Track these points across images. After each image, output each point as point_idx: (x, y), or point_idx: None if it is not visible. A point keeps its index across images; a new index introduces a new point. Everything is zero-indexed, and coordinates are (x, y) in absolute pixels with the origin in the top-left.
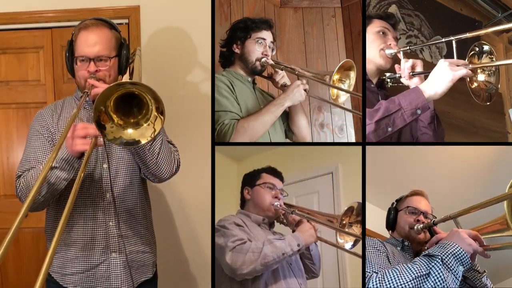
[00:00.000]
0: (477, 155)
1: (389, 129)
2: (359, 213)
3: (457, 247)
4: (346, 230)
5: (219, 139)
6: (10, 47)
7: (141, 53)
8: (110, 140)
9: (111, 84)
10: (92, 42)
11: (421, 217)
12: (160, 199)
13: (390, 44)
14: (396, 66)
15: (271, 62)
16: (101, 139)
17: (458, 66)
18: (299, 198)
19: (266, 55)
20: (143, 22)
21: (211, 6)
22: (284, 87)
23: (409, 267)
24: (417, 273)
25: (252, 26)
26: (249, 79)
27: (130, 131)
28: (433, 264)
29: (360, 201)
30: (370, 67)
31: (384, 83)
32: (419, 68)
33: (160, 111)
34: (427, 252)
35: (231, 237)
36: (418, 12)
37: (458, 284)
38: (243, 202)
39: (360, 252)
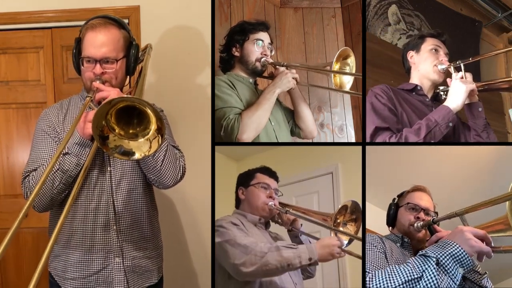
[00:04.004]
0: (477, 155)
1: (432, 141)
2: (353, 211)
3: (458, 248)
4: (341, 229)
5: (226, 134)
6: (10, 47)
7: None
8: (111, 148)
9: (103, 103)
10: (99, 43)
11: (422, 214)
12: (159, 200)
13: (442, 60)
14: (448, 80)
15: (270, 60)
16: None
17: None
18: (299, 198)
19: (265, 54)
20: (143, 22)
21: (211, 6)
22: None
23: (400, 269)
24: (408, 276)
25: (249, 28)
26: (251, 80)
27: (128, 141)
28: (426, 266)
29: (355, 199)
30: (425, 82)
31: (439, 96)
32: (469, 80)
33: (161, 134)
34: (423, 251)
35: (230, 236)
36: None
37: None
38: (238, 202)
39: (360, 253)
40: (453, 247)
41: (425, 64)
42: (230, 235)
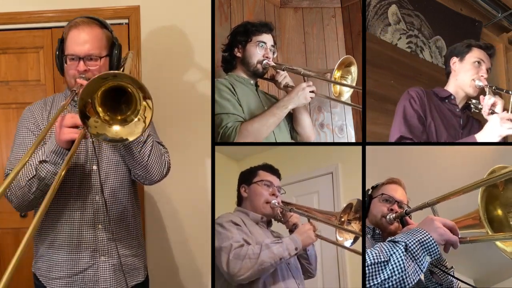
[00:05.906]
0: (477, 154)
1: None
2: (358, 210)
3: (426, 235)
4: (345, 227)
5: (223, 142)
6: (10, 47)
7: (139, 54)
8: (93, 134)
9: (95, 76)
10: (82, 41)
11: (395, 206)
12: (159, 200)
13: (481, 76)
14: (481, 97)
15: (272, 64)
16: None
17: (509, 120)
18: (299, 198)
19: (267, 57)
20: (143, 22)
21: (211, 6)
22: (287, 88)
23: (367, 252)
24: (374, 259)
25: (252, 29)
26: (252, 81)
27: (116, 128)
28: (394, 251)
29: (360, 198)
30: (459, 92)
31: (469, 107)
32: (498, 108)
33: (148, 97)
34: (392, 238)
35: (227, 240)
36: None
37: (420, 275)
38: (240, 200)
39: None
40: (422, 234)
41: (465, 75)
42: (228, 236)
